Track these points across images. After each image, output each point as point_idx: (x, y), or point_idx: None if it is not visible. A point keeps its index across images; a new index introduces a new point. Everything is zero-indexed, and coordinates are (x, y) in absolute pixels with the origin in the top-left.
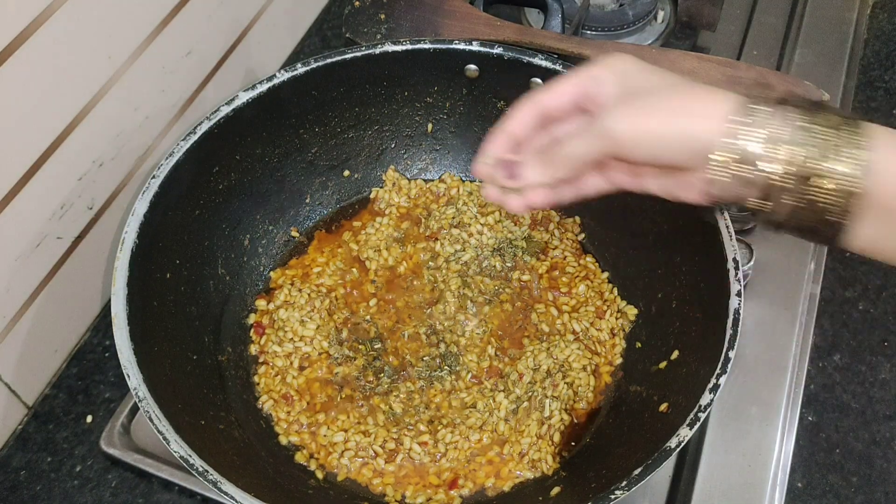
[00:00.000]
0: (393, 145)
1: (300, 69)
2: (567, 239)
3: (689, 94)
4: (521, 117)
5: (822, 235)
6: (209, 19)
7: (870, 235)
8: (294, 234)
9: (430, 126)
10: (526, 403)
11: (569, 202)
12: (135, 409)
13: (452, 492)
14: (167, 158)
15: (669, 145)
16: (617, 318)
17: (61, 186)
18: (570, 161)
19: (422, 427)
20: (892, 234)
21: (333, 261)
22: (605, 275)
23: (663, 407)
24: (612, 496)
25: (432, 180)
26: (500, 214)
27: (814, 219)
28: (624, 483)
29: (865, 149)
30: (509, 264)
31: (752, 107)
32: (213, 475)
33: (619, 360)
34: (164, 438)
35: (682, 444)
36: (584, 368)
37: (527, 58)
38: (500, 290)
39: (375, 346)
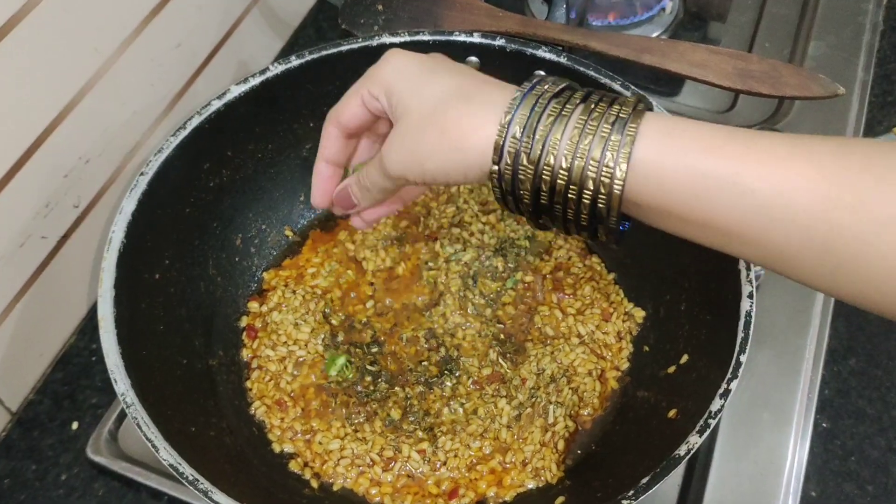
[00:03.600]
0: None
1: (294, 62)
2: (572, 239)
3: (460, 113)
4: (329, 141)
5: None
6: (199, 10)
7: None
8: (288, 233)
9: None
10: (529, 410)
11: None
12: (122, 416)
13: (452, 502)
14: (156, 155)
15: (448, 177)
16: (624, 321)
17: (46, 184)
18: (375, 191)
19: (421, 434)
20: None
21: (329, 261)
22: (612, 276)
23: (672, 413)
24: None
25: None
26: (502, 213)
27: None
28: (631, 492)
29: (629, 144)
30: (512, 265)
31: (519, 112)
32: (204, 484)
33: (626, 365)
34: (153, 446)
35: (692, 452)
36: (590, 373)
37: (530, 50)
38: (503, 291)
39: (372, 351)
